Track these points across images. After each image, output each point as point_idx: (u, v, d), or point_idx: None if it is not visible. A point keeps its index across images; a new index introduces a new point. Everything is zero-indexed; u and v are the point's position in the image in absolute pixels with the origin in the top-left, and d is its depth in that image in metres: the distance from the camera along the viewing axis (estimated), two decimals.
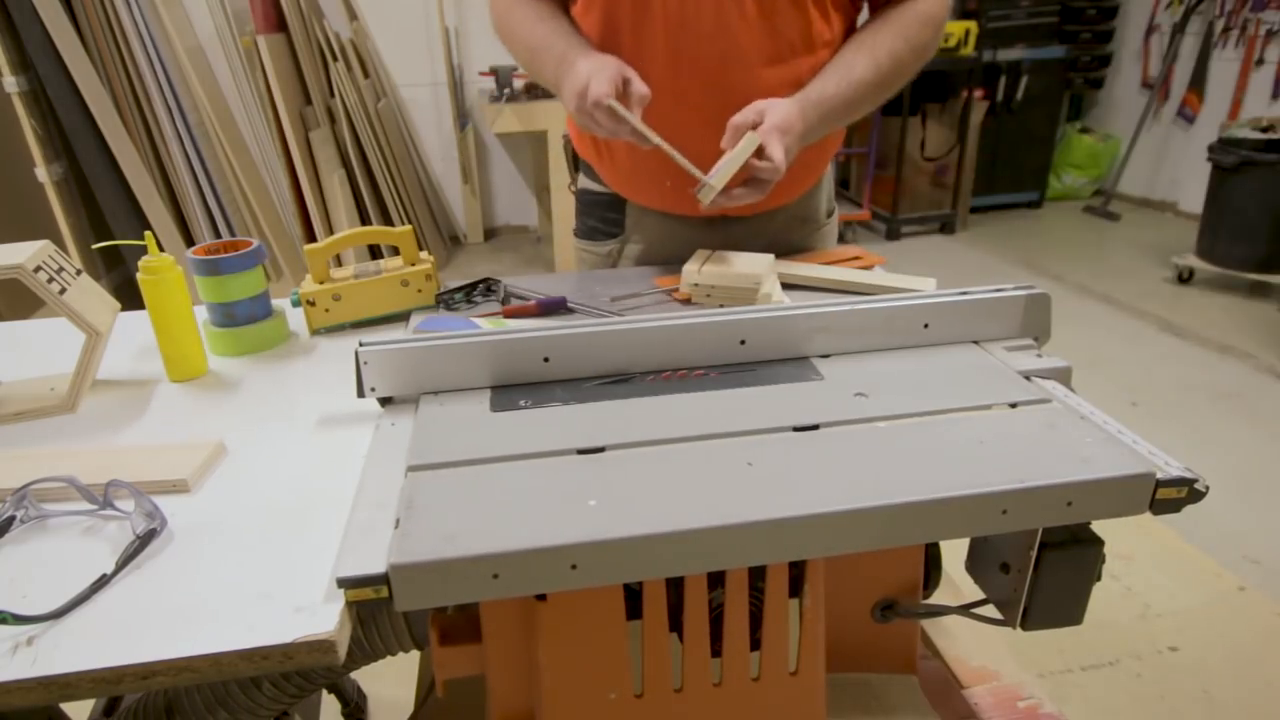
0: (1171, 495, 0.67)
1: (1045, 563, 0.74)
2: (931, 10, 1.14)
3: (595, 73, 1.03)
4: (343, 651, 0.59)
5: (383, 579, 0.58)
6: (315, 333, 1.11)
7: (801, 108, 1.07)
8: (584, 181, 1.36)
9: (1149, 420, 2.75)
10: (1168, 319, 3.53)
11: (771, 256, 1.15)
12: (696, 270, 1.09)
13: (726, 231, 1.27)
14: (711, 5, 1.08)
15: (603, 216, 1.34)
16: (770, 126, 1.03)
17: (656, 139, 1.05)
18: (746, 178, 1.06)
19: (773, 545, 0.63)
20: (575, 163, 1.38)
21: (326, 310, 1.10)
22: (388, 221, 3.99)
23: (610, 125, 1.04)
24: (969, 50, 4.34)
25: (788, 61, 1.12)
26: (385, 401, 0.85)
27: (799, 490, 0.65)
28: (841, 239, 4.67)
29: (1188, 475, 0.67)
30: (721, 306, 1.03)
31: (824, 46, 1.14)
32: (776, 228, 1.30)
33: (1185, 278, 3.89)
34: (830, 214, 1.38)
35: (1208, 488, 0.68)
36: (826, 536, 0.63)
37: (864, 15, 1.21)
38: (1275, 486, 2.38)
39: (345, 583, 0.58)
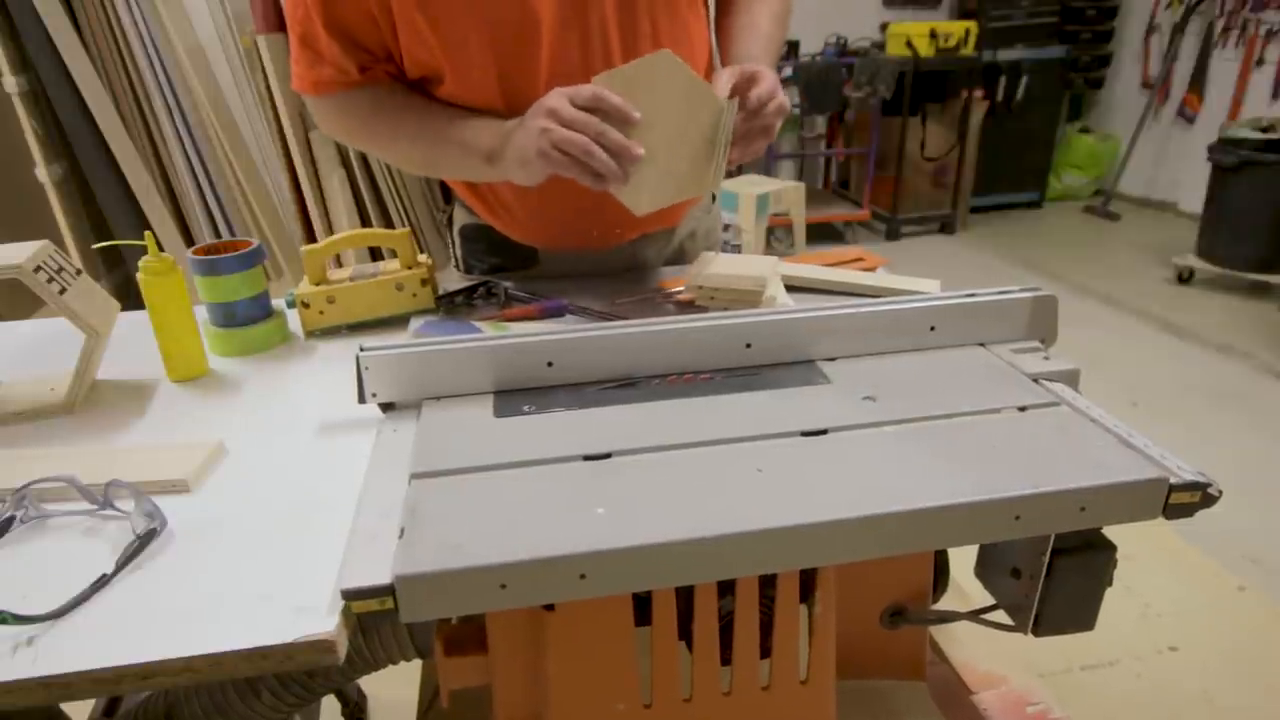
0: (1184, 500, 0.66)
1: (1058, 568, 0.74)
2: None
3: (540, 100, 0.90)
4: (343, 652, 0.59)
5: (388, 590, 0.57)
6: (310, 335, 1.10)
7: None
8: (465, 216, 1.25)
9: (1149, 420, 2.74)
10: (1168, 319, 3.53)
11: (776, 259, 1.14)
12: (700, 273, 1.08)
13: (634, 251, 1.26)
14: (611, 26, 1.02)
15: (500, 251, 1.24)
16: (761, 71, 0.96)
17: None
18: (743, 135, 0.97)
19: (784, 553, 0.62)
20: (445, 195, 1.29)
21: (321, 313, 1.09)
22: (388, 222, 3.97)
23: (584, 145, 0.86)
24: (969, 50, 4.33)
25: None
26: (387, 407, 0.84)
27: (810, 497, 0.65)
28: (841, 239, 4.67)
29: (1201, 480, 0.67)
30: (726, 310, 1.02)
31: (700, 41, 1.14)
32: (683, 237, 1.30)
33: (1185, 278, 3.89)
34: (714, 199, 1.37)
35: (1220, 492, 0.67)
36: (839, 544, 0.63)
37: None
38: (1275, 486, 2.38)
39: (350, 594, 0.57)
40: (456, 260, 1.31)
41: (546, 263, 1.25)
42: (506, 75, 1.02)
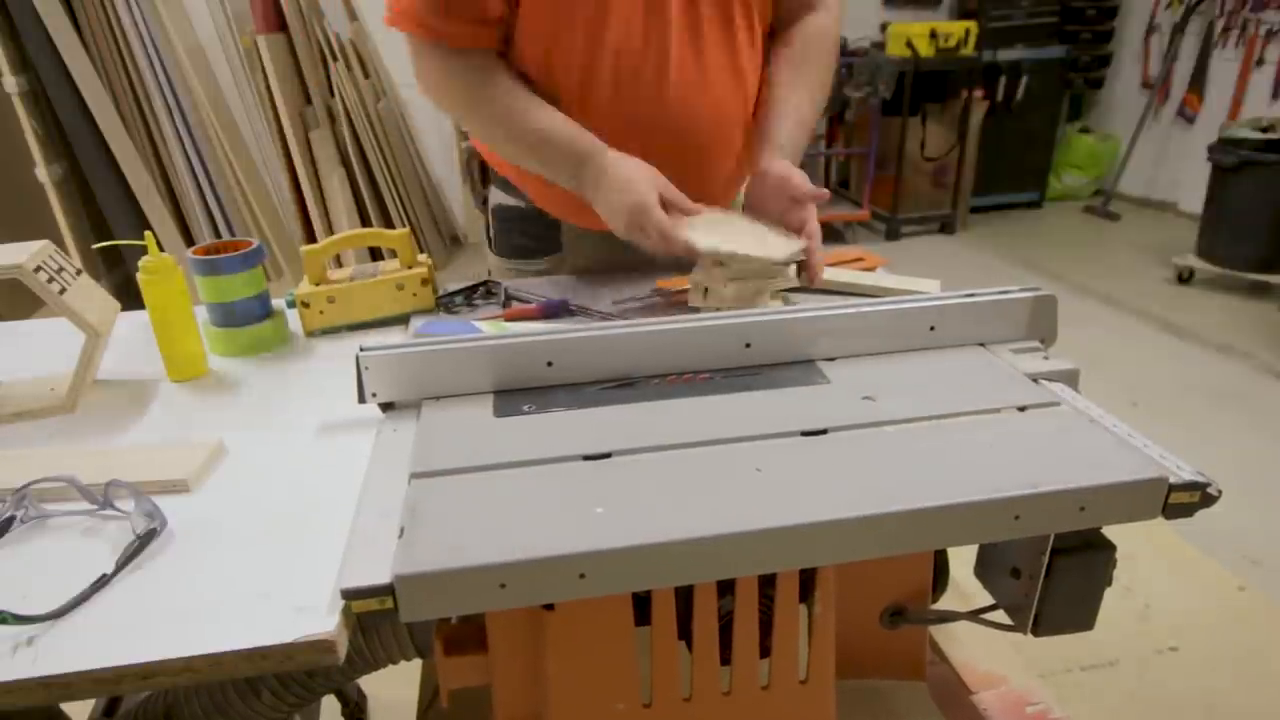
0: (1184, 500, 0.66)
1: (1057, 568, 0.74)
2: (832, 28, 1.22)
3: (643, 192, 1.00)
4: (343, 652, 0.59)
5: (388, 590, 0.57)
6: (310, 335, 1.10)
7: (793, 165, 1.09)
8: (499, 196, 1.31)
9: (1149, 420, 2.74)
10: (1168, 319, 3.53)
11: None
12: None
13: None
14: (654, 46, 1.08)
15: (528, 232, 1.29)
16: (807, 196, 1.05)
17: (711, 247, 0.99)
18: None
19: (784, 552, 0.62)
20: (484, 177, 1.33)
21: (321, 313, 1.09)
22: (388, 221, 3.98)
23: (662, 247, 1.00)
24: (969, 50, 4.33)
25: (720, 93, 1.14)
26: (387, 407, 0.84)
27: (809, 496, 0.65)
28: (841, 239, 4.67)
29: (1200, 479, 0.67)
30: (724, 307, 1.02)
31: (751, 73, 1.17)
32: None
33: (1185, 278, 3.89)
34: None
35: (1220, 492, 0.67)
36: (838, 543, 0.63)
37: None
38: (1275, 486, 2.38)
39: (349, 594, 0.57)
40: (490, 241, 1.36)
41: (571, 247, 1.28)
42: (557, 48, 1.08)
